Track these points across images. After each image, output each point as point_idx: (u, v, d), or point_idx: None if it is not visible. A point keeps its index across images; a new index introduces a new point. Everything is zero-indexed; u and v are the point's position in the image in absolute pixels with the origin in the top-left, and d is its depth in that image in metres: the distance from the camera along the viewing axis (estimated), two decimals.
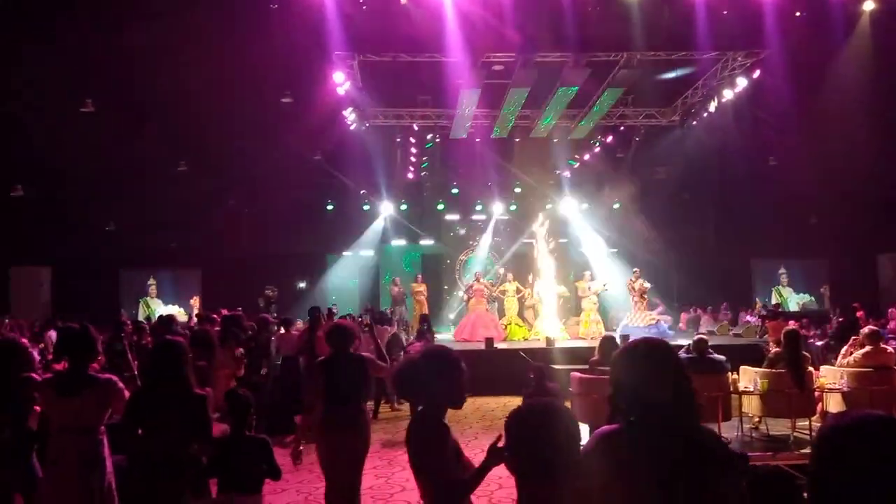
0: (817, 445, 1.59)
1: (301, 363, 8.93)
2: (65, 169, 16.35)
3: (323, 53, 13.08)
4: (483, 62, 13.87)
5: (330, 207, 21.31)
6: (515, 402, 3.31)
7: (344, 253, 21.88)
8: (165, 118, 15.44)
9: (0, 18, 11.94)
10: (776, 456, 6.77)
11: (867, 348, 7.99)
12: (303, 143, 17.14)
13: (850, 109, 14.65)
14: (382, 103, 17.06)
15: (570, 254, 19.83)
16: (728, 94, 15.54)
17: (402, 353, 10.00)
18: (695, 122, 17.54)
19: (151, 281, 21.38)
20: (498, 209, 20.59)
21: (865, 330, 8.45)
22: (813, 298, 21.36)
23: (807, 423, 7.98)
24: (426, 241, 21.91)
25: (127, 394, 4.15)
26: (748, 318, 18.02)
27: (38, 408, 4.31)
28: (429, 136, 18.78)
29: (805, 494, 1.68)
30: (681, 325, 18.35)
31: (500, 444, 2.51)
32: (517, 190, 20.79)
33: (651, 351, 2.08)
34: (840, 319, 11.91)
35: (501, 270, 18.84)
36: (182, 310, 20.05)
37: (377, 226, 21.19)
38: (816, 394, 7.92)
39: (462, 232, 21.77)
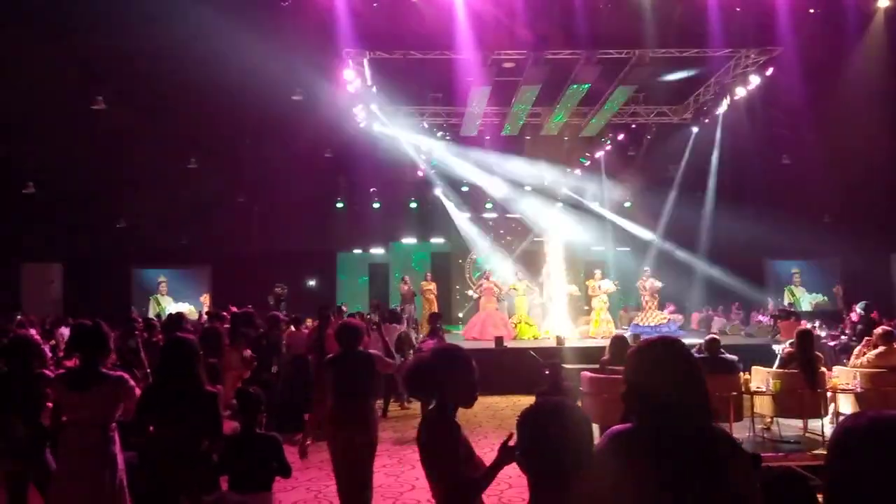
0: (832, 446, 1.56)
1: (311, 361, 8.93)
2: (76, 167, 16.45)
3: (333, 51, 13.08)
4: (493, 59, 13.82)
5: (340, 205, 21.35)
6: (525, 401, 3.28)
7: (354, 251, 21.93)
8: (175, 116, 15.50)
9: (10, 15, 11.99)
10: (788, 457, 6.72)
11: (880, 349, 7.93)
12: (313, 140, 17.17)
13: (863, 108, 14.52)
14: (393, 101, 17.06)
15: (580, 253, 19.77)
16: (741, 92, 15.41)
17: (411, 352, 10.00)
18: (707, 120, 17.43)
19: (162, 278, 21.49)
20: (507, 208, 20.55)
21: (879, 330, 8.38)
22: (826, 298, 21.20)
23: (819, 424, 7.91)
24: (436, 240, 21.91)
25: (138, 391, 4.17)
26: (760, 317, 17.92)
27: (49, 403, 4.34)
28: (439, 134, 18.74)
29: (819, 496, 1.66)
30: (692, 324, 18.27)
31: (512, 443, 2.49)
32: (527, 188, 20.74)
33: (667, 350, 2.06)
34: (861, 314, 11.65)
35: (511, 269, 18.80)
36: (192, 307, 20.15)
37: (387, 224, 21.20)
38: (829, 394, 7.87)
39: (472, 230, 21.73)
